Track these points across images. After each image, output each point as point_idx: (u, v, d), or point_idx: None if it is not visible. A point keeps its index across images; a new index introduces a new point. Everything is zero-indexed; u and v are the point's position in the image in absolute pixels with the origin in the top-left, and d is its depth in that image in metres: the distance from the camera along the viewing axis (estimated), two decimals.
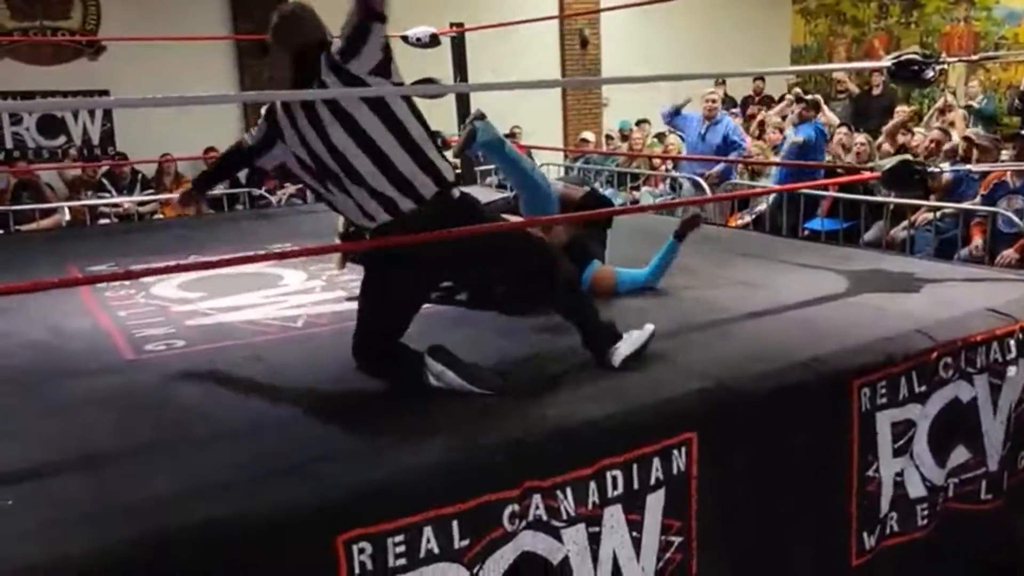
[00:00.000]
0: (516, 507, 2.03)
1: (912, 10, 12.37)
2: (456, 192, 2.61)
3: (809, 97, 7.71)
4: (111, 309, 3.64)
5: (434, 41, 6.15)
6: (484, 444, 2.07)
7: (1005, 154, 6.17)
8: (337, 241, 3.54)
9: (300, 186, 8.95)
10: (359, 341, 2.60)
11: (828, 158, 7.36)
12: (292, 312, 3.49)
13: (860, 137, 7.38)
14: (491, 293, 3.26)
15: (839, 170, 6.32)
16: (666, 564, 2.28)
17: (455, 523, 1.95)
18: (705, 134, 7.75)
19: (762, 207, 7.20)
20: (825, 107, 8.26)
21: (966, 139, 6.22)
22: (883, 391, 2.62)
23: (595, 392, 2.39)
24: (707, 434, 2.31)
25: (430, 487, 1.94)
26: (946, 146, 6.55)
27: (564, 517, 2.11)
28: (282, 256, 2.93)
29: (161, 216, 8.00)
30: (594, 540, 2.16)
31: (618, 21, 11.58)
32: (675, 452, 2.26)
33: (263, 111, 2.65)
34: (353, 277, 3.76)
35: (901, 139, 7.71)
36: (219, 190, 8.50)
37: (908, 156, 5.15)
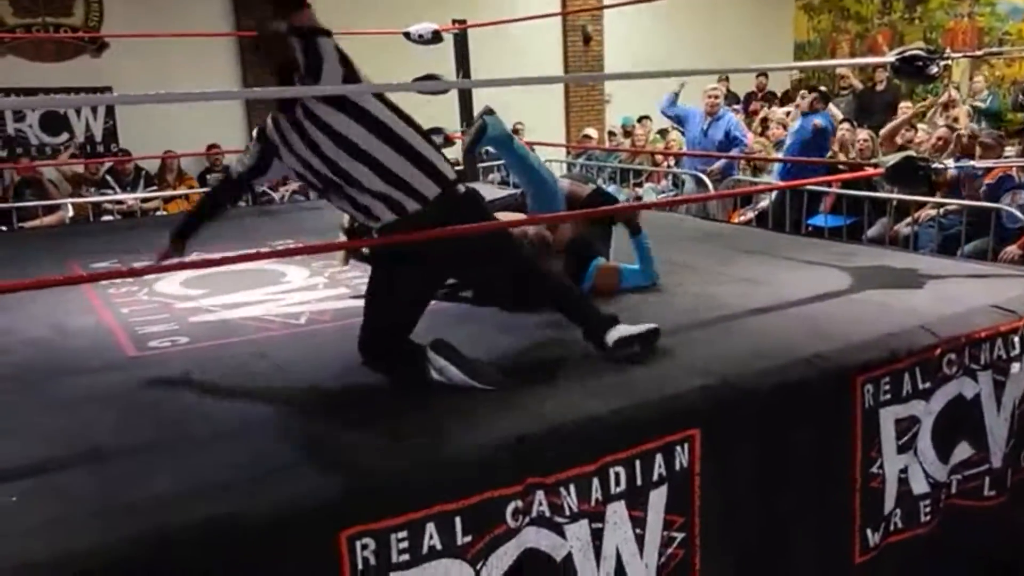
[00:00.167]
0: (519, 503, 2.03)
1: (916, 6, 12.34)
2: (461, 188, 2.62)
3: (823, 88, 7.68)
4: (114, 306, 3.65)
5: (436, 38, 6.15)
6: (487, 440, 2.06)
7: (1010, 150, 6.16)
8: (341, 238, 3.54)
9: (303, 183, 8.95)
10: (366, 337, 2.61)
11: (831, 154, 7.34)
12: (295, 309, 3.49)
13: (863, 133, 7.37)
14: (496, 290, 3.25)
15: (841, 167, 6.30)
16: (668, 560, 2.28)
17: (458, 519, 1.95)
18: (707, 130, 7.72)
19: (765, 203, 7.20)
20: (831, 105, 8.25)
21: (971, 136, 6.21)
22: (886, 388, 2.62)
23: (598, 388, 2.39)
24: (710, 430, 2.31)
25: (433, 483, 1.94)
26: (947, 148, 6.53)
27: (567, 513, 2.11)
28: (285, 253, 2.93)
29: (164, 212, 8.00)
30: (597, 536, 2.16)
31: (621, 17, 11.57)
32: (678, 448, 2.26)
33: (254, 133, 2.64)
34: (356, 274, 3.76)
35: (905, 135, 7.69)
36: None
37: (912, 152, 5.14)
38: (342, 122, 2.45)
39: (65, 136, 9.16)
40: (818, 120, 7.10)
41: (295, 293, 3.76)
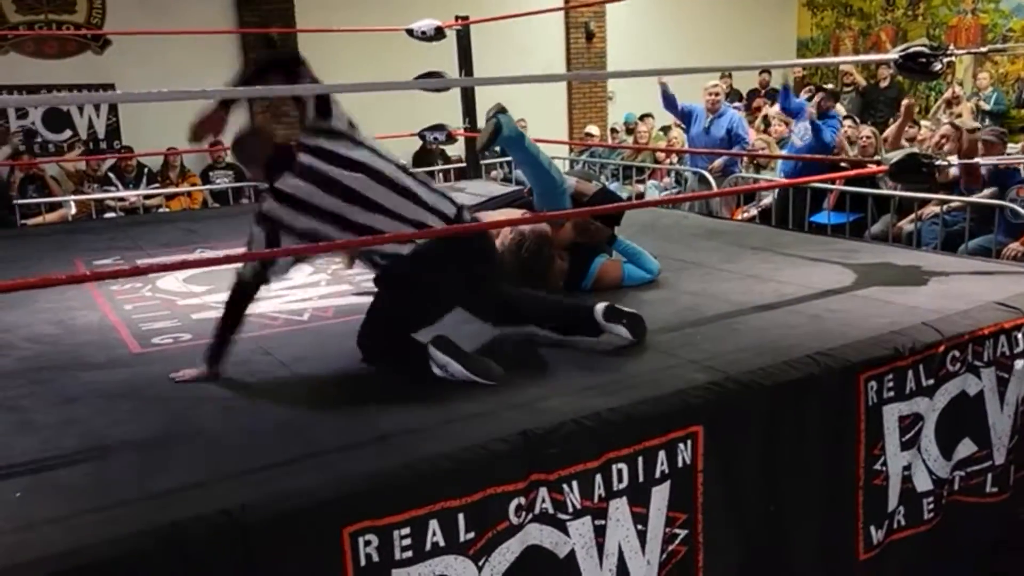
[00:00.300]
0: (522, 500, 2.03)
1: (919, 2, 12.32)
2: (468, 216, 2.73)
3: (829, 86, 7.62)
4: (117, 303, 3.65)
5: (439, 34, 6.15)
6: (490, 437, 2.06)
7: (1014, 147, 6.15)
8: None
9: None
10: (366, 336, 2.61)
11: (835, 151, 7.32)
12: (298, 306, 3.49)
13: (866, 130, 7.35)
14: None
15: (844, 164, 6.29)
16: (671, 556, 2.28)
17: (461, 516, 1.95)
18: (709, 127, 7.71)
19: (767, 200, 7.19)
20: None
21: (971, 131, 6.20)
22: (890, 384, 2.61)
23: (601, 385, 2.40)
24: (713, 427, 2.31)
25: (436, 480, 1.94)
26: (946, 146, 6.50)
27: (570, 510, 2.11)
28: (287, 252, 2.93)
29: (166, 209, 8.01)
30: (600, 533, 2.16)
31: (624, 14, 11.55)
32: (681, 445, 2.27)
33: (252, 228, 2.60)
34: (359, 272, 3.76)
35: (908, 132, 7.68)
36: (223, 184, 8.55)
37: (915, 149, 5.13)
38: (343, 175, 2.54)
39: (68, 133, 9.16)
40: (826, 135, 7.05)
41: (298, 290, 3.76)
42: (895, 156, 3.78)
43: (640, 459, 2.20)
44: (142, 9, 9.03)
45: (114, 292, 3.83)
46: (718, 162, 7.56)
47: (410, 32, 6.21)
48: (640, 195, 8.49)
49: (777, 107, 8.54)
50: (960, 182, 5.68)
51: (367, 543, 1.86)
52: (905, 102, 7.82)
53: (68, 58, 9.11)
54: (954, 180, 5.84)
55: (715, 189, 6.93)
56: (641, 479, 2.22)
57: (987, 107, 9.98)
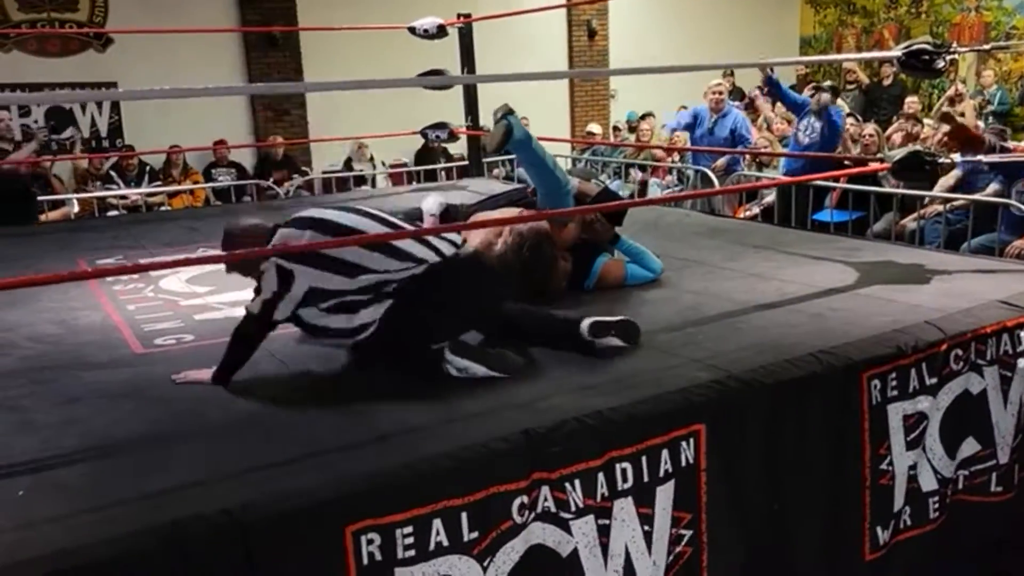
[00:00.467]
0: (525, 499, 2.03)
1: (922, 0, 12.30)
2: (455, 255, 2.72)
3: (827, 84, 7.60)
4: (120, 303, 3.65)
5: (441, 32, 6.14)
6: (493, 435, 2.06)
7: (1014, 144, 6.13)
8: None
9: (308, 179, 8.98)
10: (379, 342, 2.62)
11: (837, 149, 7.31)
12: None
13: (869, 128, 7.35)
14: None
15: (847, 162, 6.29)
16: (677, 558, 2.28)
17: (464, 515, 1.95)
18: (713, 128, 7.69)
19: (770, 199, 7.19)
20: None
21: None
22: (893, 383, 2.61)
23: (603, 383, 2.39)
24: (716, 426, 2.31)
25: (438, 479, 1.94)
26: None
27: (573, 509, 2.11)
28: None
29: (168, 207, 8.02)
30: (604, 533, 2.16)
31: (626, 12, 11.55)
32: (684, 444, 2.26)
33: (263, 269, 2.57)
34: None
35: (911, 130, 7.67)
36: (226, 182, 8.56)
37: (918, 147, 5.12)
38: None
39: (71, 132, 9.17)
40: (836, 119, 7.02)
41: None
42: (897, 154, 3.78)
43: (644, 458, 2.20)
44: (144, 7, 9.04)
45: (117, 292, 3.83)
46: (721, 161, 7.55)
47: (412, 30, 6.21)
48: (644, 183, 8.48)
49: (779, 106, 8.52)
50: (959, 150, 5.67)
51: (369, 542, 1.86)
52: (910, 100, 7.82)
53: (70, 56, 9.12)
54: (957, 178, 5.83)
55: (717, 187, 6.93)
56: (646, 479, 2.21)
57: (992, 107, 9.96)
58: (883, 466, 2.62)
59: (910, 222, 5.89)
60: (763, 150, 7.80)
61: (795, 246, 4.19)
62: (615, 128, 11.01)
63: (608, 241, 3.62)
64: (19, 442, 2.18)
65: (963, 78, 11.31)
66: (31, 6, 8.93)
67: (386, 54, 8.08)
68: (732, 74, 11.63)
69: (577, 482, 2.11)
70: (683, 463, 2.26)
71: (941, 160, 3.70)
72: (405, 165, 9.86)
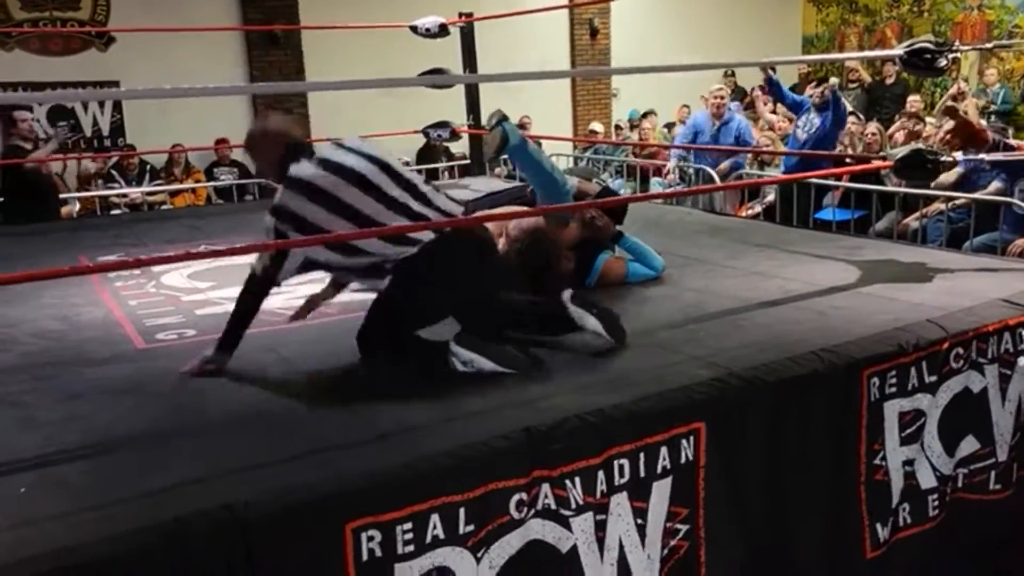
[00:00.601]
0: (524, 495, 2.03)
1: None
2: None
3: (833, 79, 7.61)
4: (122, 299, 3.66)
5: (443, 31, 6.14)
6: (493, 433, 2.07)
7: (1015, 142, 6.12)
8: None
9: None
10: (371, 330, 2.62)
11: (839, 148, 7.31)
12: (302, 302, 3.48)
13: (872, 126, 7.34)
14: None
15: (848, 160, 6.29)
16: (672, 551, 2.28)
17: (462, 510, 1.95)
18: (717, 136, 7.67)
19: (771, 197, 7.18)
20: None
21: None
22: (892, 381, 2.61)
23: (604, 381, 2.40)
24: (716, 423, 2.31)
25: (438, 476, 1.94)
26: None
27: (573, 506, 2.11)
28: (291, 244, 2.93)
29: (170, 206, 8.03)
30: (600, 528, 2.16)
31: (628, 11, 11.55)
32: (683, 441, 2.26)
33: (265, 226, 2.61)
34: None
35: (913, 128, 7.67)
36: (228, 181, 8.57)
37: (920, 145, 5.12)
38: (358, 163, 2.59)
39: (56, 131, 9.19)
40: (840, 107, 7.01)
41: (302, 287, 3.75)
42: (899, 152, 3.77)
43: (642, 455, 2.20)
44: (146, 6, 9.05)
45: (119, 288, 3.84)
46: (725, 164, 7.54)
47: (414, 29, 6.20)
48: (644, 171, 8.42)
49: (781, 107, 8.52)
50: (961, 146, 5.66)
51: (369, 538, 1.86)
52: (912, 98, 7.81)
53: (72, 55, 9.13)
54: (959, 176, 5.82)
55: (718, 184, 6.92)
56: (642, 474, 2.21)
57: (997, 107, 9.95)
58: (876, 461, 2.62)
59: (912, 221, 5.88)
60: (765, 148, 7.79)
61: (797, 244, 4.19)
62: (616, 127, 11.01)
63: (611, 238, 3.62)
64: (21, 439, 2.19)
65: (965, 77, 11.30)
66: (33, 5, 8.94)
67: (388, 53, 8.08)
68: (733, 74, 11.64)
69: (577, 479, 2.11)
70: (682, 460, 2.26)
71: (943, 158, 3.70)
72: (407, 164, 9.87)
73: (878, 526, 2.65)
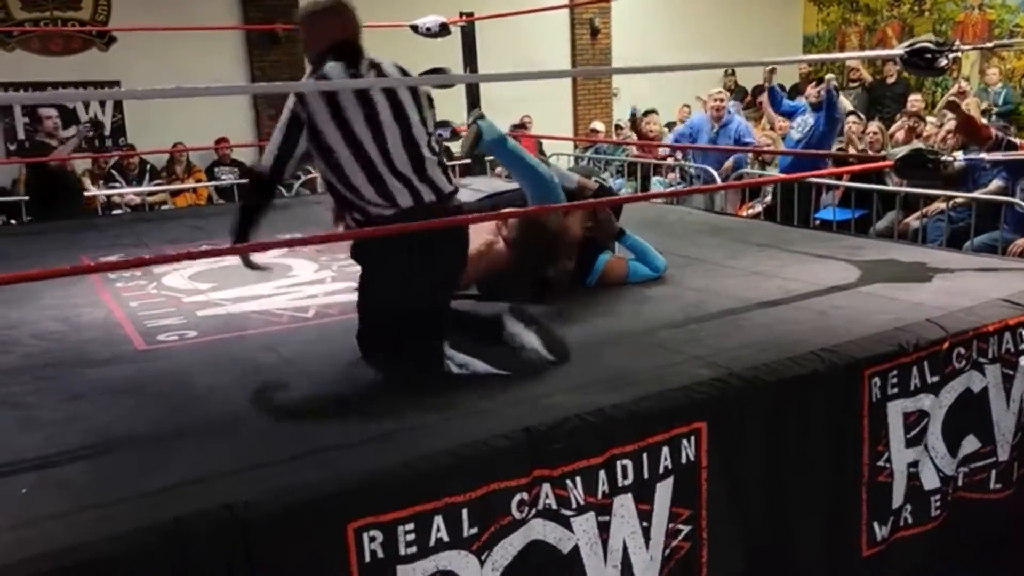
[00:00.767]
0: (525, 495, 2.04)
1: None
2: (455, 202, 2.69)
3: (829, 76, 7.63)
4: (123, 300, 3.66)
5: (444, 30, 6.14)
6: (493, 433, 2.07)
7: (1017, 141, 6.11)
8: None
9: (310, 176, 8.99)
10: (365, 332, 2.62)
11: (840, 147, 7.32)
12: (303, 303, 3.50)
13: (873, 125, 7.34)
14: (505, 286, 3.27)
15: (852, 159, 6.28)
16: (674, 552, 2.28)
17: (465, 511, 1.95)
18: (716, 139, 7.69)
19: (769, 198, 7.19)
20: (840, 94, 8.21)
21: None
22: (894, 381, 2.61)
23: (605, 381, 2.39)
24: (717, 423, 2.31)
25: (440, 476, 1.95)
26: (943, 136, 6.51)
27: (573, 506, 2.11)
28: (292, 243, 2.94)
29: (171, 206, 8.04)
30: (604, 529, 2.16)
31: (628, 10, 11.55)
32: (684, 441, 2.26)
33: (284, 119, 2.56)
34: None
35: (914, 128, 7.66)
36: (229, 180, 8.57)
37: (921, 145, 5.12)
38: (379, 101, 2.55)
39: (74, 130, 9.20)
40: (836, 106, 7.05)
41: (303, 287, 3.76)
42: (900, 151, 3.77)
43: (644, 455, 2.20)
44: (146, 6, 9.05)
45: (119, 289, 3.84)
46: (728, 163, 7.55)
47: (415, 28, 6.20)
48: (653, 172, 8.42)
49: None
50: (963, 141, 5.66)
51: (371, 539, 1.86)
52: (913, 97, 7.81)
53: (73, 55, 9.13)
54: (961, 175, 5.82)
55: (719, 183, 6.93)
56: (646, 475, 2.21)
57: (998, 107, 9.93)
58: (881, 463, 2.62)
59: (913, 220, 5.87)
60: (766, 148, 7.79)
61: (797, 244, 4.19)
62: (617, 127, 11.01)
63: (615, 236, 3.62)
64: (22, 439, 2.19)
65: (966, 76, 11.29)
66: (34, 4, 8.94)
67: (388, 52, 8.04)
68: (734, 73, 11.64)
69: (578, 479, 2.11)
70: (683, 460, 2.26)
71: (944, 158, 3.70)
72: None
73: (876, 524, 2.65)
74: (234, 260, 2.79)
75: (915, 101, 9.00)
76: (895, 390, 2.62)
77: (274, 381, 2.59)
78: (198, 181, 8.88)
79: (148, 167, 8.89)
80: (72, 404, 2.45)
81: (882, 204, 5.88)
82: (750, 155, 7.78)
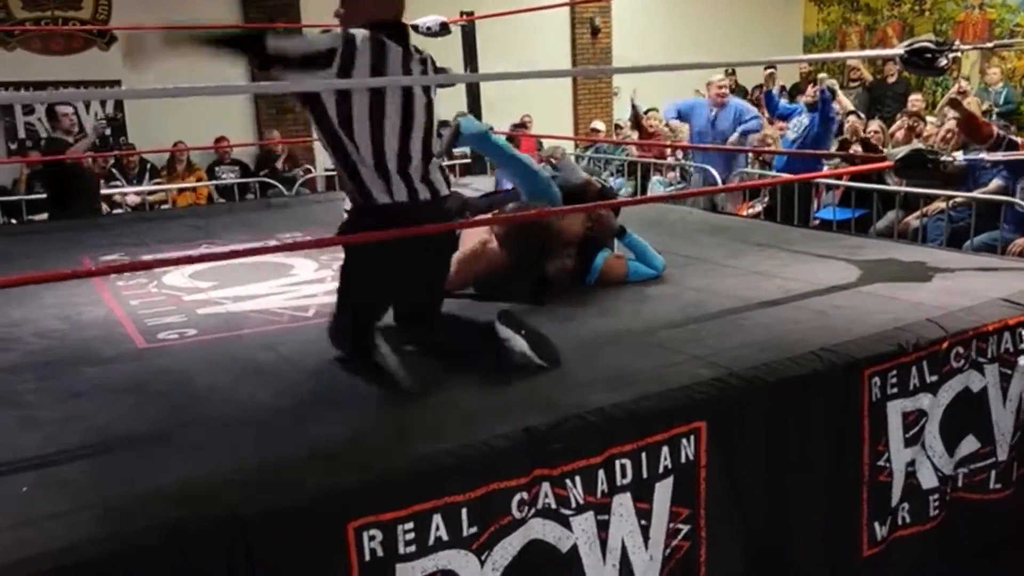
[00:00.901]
0: (525, 495, 2.04)
1: None
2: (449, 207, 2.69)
3: (823, 75, 7.67)
4: (123, 298, 3.67)
5: (444, 30, 6.14)
6: (494, 432, 2.07)
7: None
8: None
9: (310, 176, 9.00)
10: (335, 325, 2.65)
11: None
12: (303, 302, 3.50)
13: (874, 124, 7.34)
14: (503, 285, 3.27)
15: (857, 159, 6.29)
16: (674, 551, 2.28)
17: (464, 511, 1.96)
18: (715, 121, 7.72)
19: (768, 199, 7.19)
20: (840, 93, 8.23)
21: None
22: (893, 381, 2.61)
23: (604, 380, 2.40)
24: (716, 423, 2.31)
25: (439, 475, 1.95)
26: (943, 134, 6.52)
27: (573, 505, 2.11)
28: (293, 247, 2.95)
29: (168, 206, 8.05)
30: (602, 528, 2.17)
31: (629, 10, 11.55)
32: (684, 441, 2.26)
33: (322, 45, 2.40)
34: None
35: (915, 127, 7.67)
36: (230, 180, 8.57)
37: (920, 145, 5.12)
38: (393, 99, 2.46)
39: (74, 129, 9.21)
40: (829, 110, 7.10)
41: (303, 286, 3.77)
42: (900, 152, 3.77)
43: (643, 455, 2.20)
44: (147, 5, 9.03)
45: (120, 288, 3.84)
46: (733, 138, 7.57)
47: (415, 28, 6.19)
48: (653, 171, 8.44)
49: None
50: (965, 139, 5.66)
51: (371, 538, 1.87)
52: (914, 97, 7.82)
53: (74, 54, 9.13)
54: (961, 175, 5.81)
55: (720, 185, 6.93)
56: (645, 475, 2.22)
57: (999, 107, 9.92)
58: (881, 462, 2.62)
59: (913, 220, 5.87)
60: (769, 144, 7.79)
61: (797, 244, 4.19)
62: (617, 126, 11.00)
63: (616, 234, 3.62)
64: (22, 438, 2.19)
65: (966, 76, 11.28)
66: (35, 4, 8.94)
67: None
68: (734, 73, 11.62)
69: (578, 479, 2.11)
70: (683, 460, 2.27)
71: (943, 158, 3.70)
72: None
73: (876, 524, 2.65)
74: (233, 260, 2.79)
75: (916, 101, 9.00)
76: (895, 390, 2.62)
77: (274, 381, 2.59)
78: (198, 180, 8.89)
79: (148, 166, 8.89)
80: (72, 403, 2.45)
81: (882, 204, 5.88)
82: (751, 154, 7.79)
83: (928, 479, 2.76)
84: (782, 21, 13.41)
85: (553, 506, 2.09)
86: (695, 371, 2.43)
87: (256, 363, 2.73)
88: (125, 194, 8.04)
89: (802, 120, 7.21)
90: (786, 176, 6.67)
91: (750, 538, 2.43)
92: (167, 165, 9.02)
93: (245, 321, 3.25)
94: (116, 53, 9.22)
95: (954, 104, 6.24)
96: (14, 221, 7.09)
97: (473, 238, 3.31)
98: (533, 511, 2.07)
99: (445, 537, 1.94)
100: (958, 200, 5.44)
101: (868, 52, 12.45)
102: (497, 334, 2.53)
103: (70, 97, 9.44)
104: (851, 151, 7.00)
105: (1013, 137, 5.65)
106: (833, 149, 7.22)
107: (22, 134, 9.04)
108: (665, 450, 2.23)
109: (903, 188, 5.54)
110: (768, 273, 3.61)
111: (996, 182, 5.65)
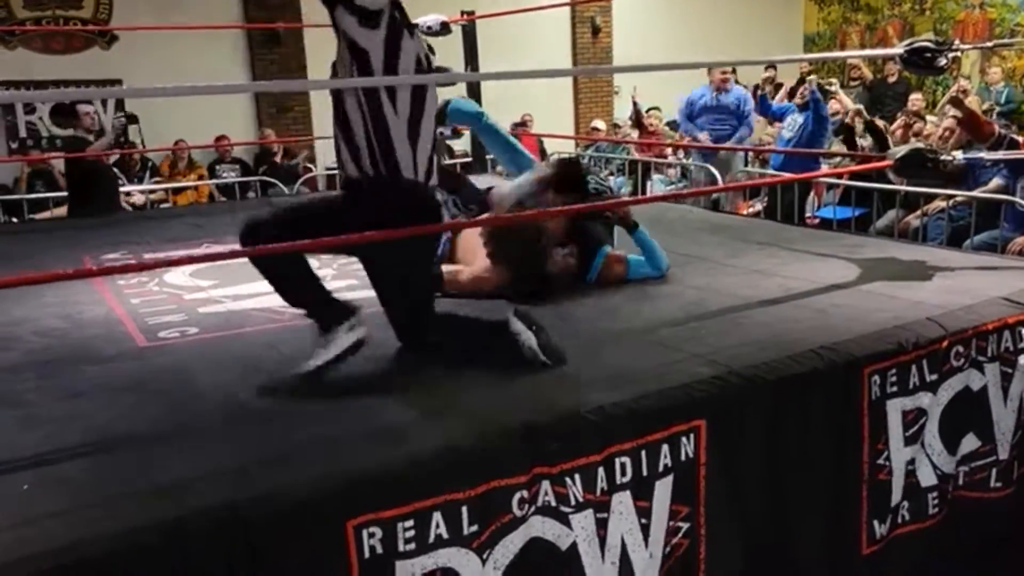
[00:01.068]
0: (525, 493, 2.04)
1: None
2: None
3: (812, 77, 7.71)
4: (124, 297, 3.67)
5: (445, 29, 6.14)
6: (494, 430, 2.07)
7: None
8: None
9: (311, 175, 9.00)
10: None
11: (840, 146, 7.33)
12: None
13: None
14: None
15: (857, 159, 6.29)
16: (673, 549, 2.29)
17: (464, 508, 1.96)
18: (716, 102, 7.82)
19: (767, 199, 7.20)
20: (841, 92, 8.24)
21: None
22: (893, 379, 2.61)
23: (604, 378, 2.40)
24: (716, 421, 2.32)
25: (439, 473, 1.95)
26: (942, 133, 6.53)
27: (572, 503, 2.12)
28: (293, 247, 2.94)
29: (169, 205, 8.05)
30: (602, 526, 2.17)
31: (629, 9, 11.55)
32: (684, 439, 2.27)
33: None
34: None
35: (914, 126, 7.66)
36: (231, 179, 8.57)
37: (920, 144, 5.11)
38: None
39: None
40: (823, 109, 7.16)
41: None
42: (899, 151, 3.78)
43: (643, 453, 2.21)
44: (149, 4, 9.05)
45: (121, 286, 3.84)
46: (734, 139, 7.63)
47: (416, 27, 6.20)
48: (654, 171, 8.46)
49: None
50: (966, 136, 5.66)
51: (371, 535, 1.87)
52: (914, 96, 7.84)
53: (75, 53, 9.14)
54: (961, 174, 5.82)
55: (720, 184, 6.93)
56: (645, 473, 2.22)
57: (1000, 106, 9.92)
58: (880, 461, 2.63)
59: (913, 219, 5.87)
60: (767, 147, 7.81)
61: (798, 243, 4.19)
62: (616, 125, 11.00)
63: (630, 229, 3.61)
64: (23, 437, 2.20)
65: (967, 75, 11.28)
66: (36, 3, 8.95)
67: None
68: (735, 71, 11.60)
69: (577, 477, 2.12)
70: (683, 458, 2.27)
71: (943, 157, 3.70)
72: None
73: (875, 522, 2.65)
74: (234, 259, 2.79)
75: (916, 100, 9.00)
76: (894, 388, 2.62)
77: (274, 379, 2.59)
78: (200, 178, 8.89)
79: (149, 165, 8.89)
80: (73, 402, 2.46)
81: (882, 202, 5.87)
82: (751, 153, 7.81)
83: (928, 477, 2.76)
84: (782, 20, 13.41)
85: (553, 504, 2.09)
86: (695, 369, 2.43)
87: (257, 362, 2.73)
88: (129, 193, 8.04)
89: (796, 119, 7.25)
90: (787, 175, 6.67)
91: (750, 536, 2.43)
92: (168, 164, 9.02)
93: (246, 320, 3.25)
94: (117, 52, 9.24)
95: (955, 103, 6.24)
96: (15, 220, 7.09)
97: (473, 254, 3.33)
98: (533, 509, 2.07)
99: (445, 535, 1.94)
100: (958, 199, 5.44)
101: (868, 51, 12.44)
102: (510, 327, 2.56)
103: (72, 96, 9.44)
104: (858, 141, 7.02)
105: (1014, 136, 5.65)
106: (833, 149, 7.23)
107: (23, 133, 9.04)
108: (665, 448, 2.23)
109: (903, 187, 5.54)
110: (768, 272, 3.61)
111: (996, 181, 5.65)
